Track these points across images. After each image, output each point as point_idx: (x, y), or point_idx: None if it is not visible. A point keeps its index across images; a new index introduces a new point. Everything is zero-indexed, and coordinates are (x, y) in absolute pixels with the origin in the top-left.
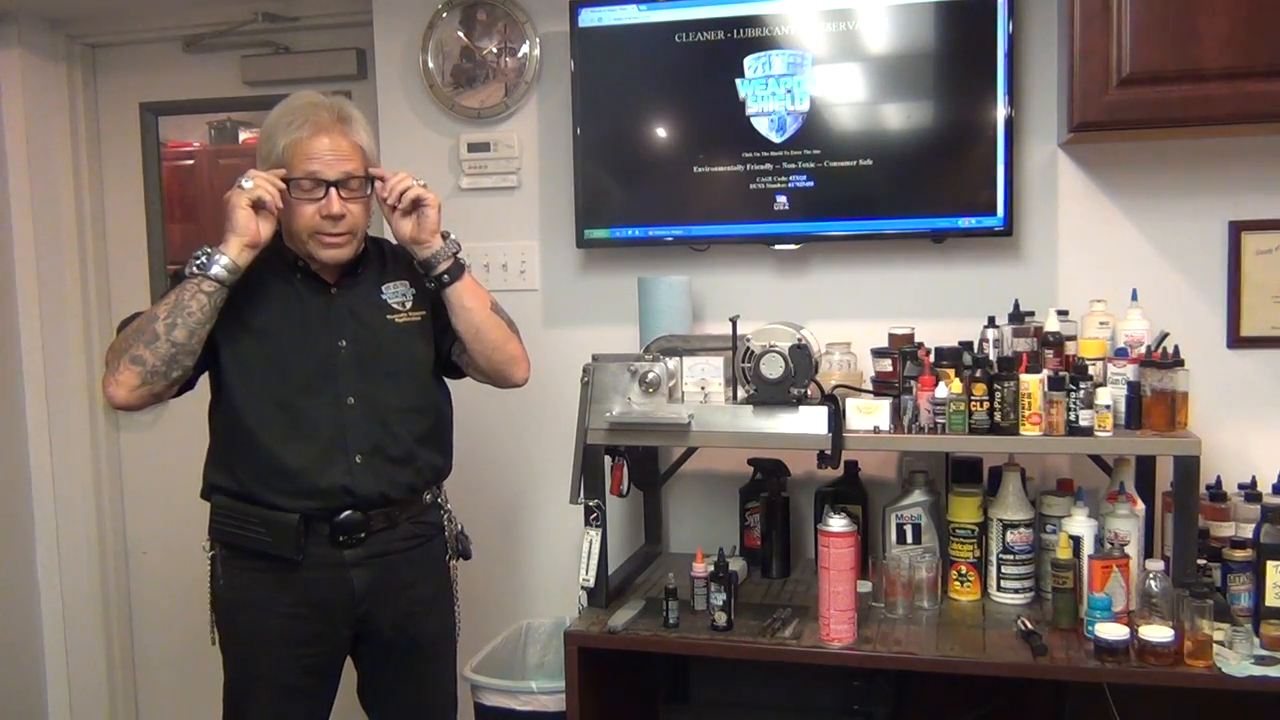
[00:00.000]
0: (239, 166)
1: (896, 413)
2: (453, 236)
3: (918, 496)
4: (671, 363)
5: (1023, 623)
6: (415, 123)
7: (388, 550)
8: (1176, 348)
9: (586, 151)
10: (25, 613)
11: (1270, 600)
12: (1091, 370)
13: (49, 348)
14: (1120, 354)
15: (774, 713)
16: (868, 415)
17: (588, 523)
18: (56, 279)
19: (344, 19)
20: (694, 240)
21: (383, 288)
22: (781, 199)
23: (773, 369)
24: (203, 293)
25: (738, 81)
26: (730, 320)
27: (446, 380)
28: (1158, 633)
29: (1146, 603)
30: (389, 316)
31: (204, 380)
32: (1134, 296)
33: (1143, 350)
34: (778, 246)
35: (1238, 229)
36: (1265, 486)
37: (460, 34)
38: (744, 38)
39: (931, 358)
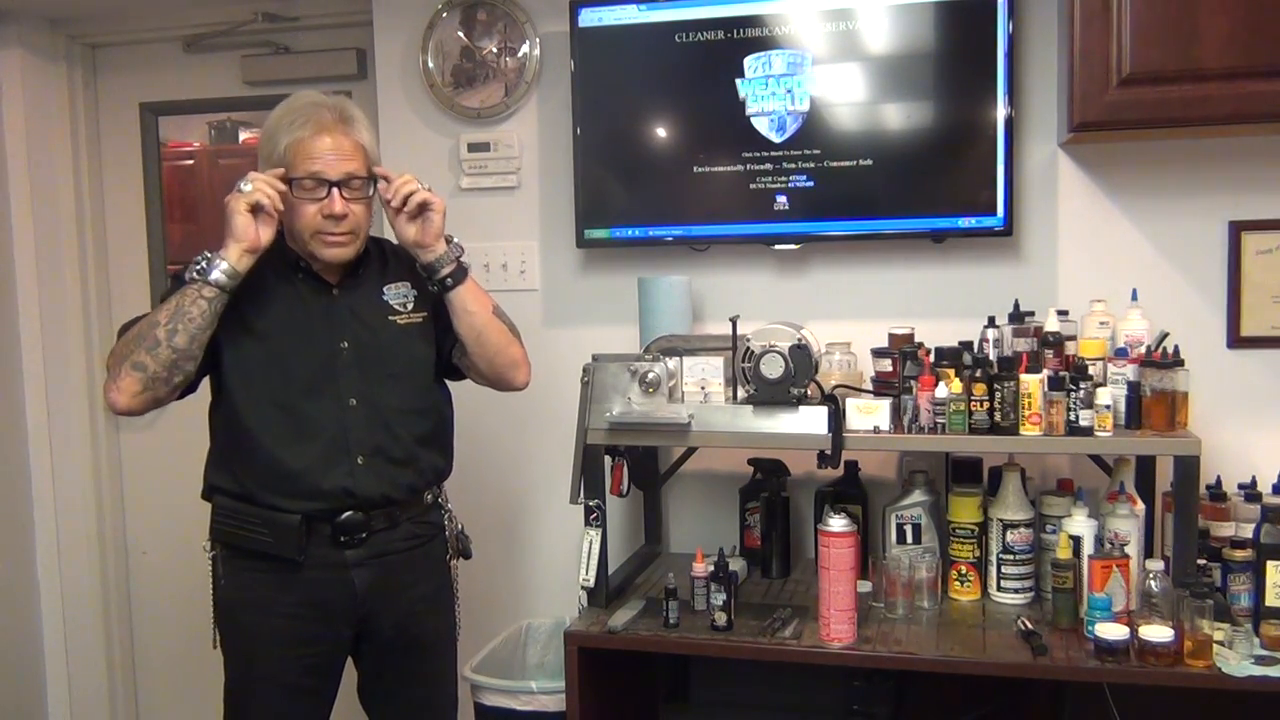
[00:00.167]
0: (239, 166)
1: (896, 413)
2: (456, 240)
3: (918, 496)
4: (671, 363)
5: (1023, 623)
6: (415, 123)
7: (389, 550)
8: (1176, 348)
9: (586, 151)
10: (25, 613)
11: (1270, 600)
12: (1091, 370)
13: (49, 348)
14: (1120, 354)
15: (774, 713)
16: (868, 415)
17: (588, 523)
18: (56, 279)
19: (344, 19)
20: (694, 240)
21: (384, 288)
22: (781, 199)
23: (773, 369)
24: (203, 298)
25: (738, 81)
26: (730, 320)
27: (447, 382)
28: (1158, 633)
29: (1146, 603)
30: (390, 318)
31: (204, 381)
32: (1134, 296)
33: (1143, 350)
34: (778, 246)
35: (1238, 229)
36: (1265, 486)
37: (460, 34)
38: (744, 38)
39: (931, 358)
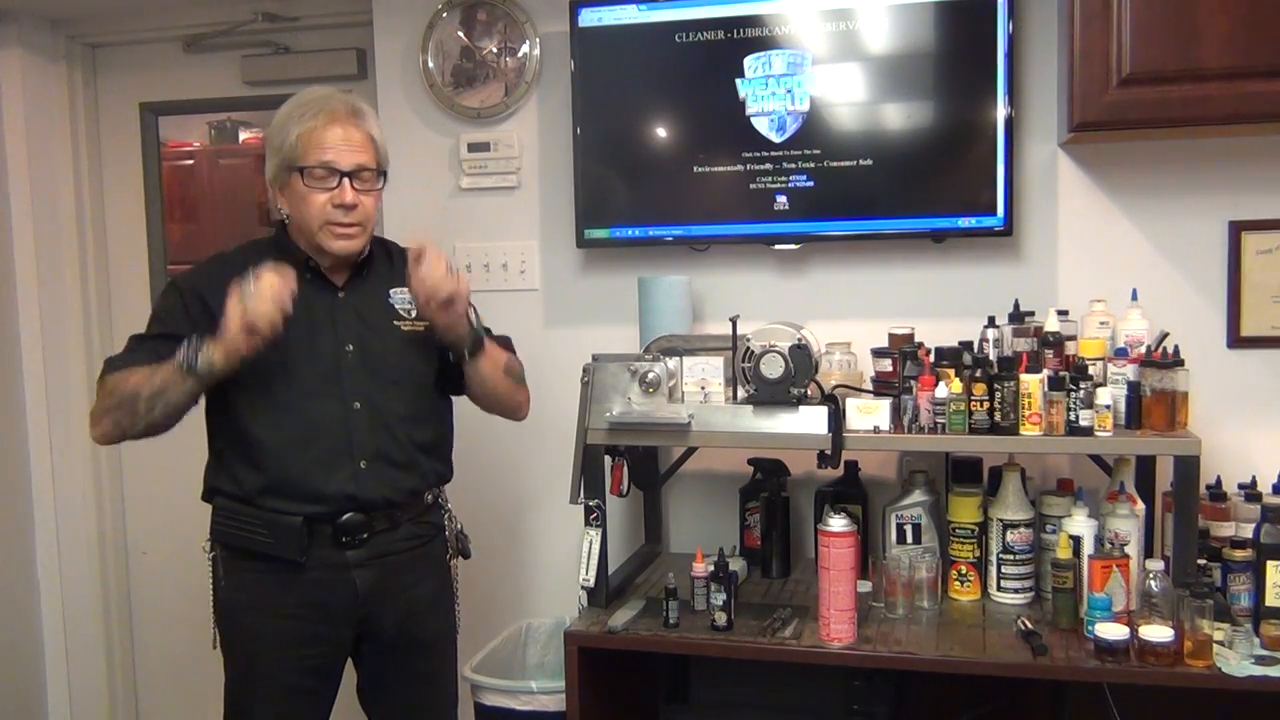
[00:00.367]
0: (239, 167)
1: (896, 413)
2: (475, 311)
3: (918, 496)
4: (671, 363)
5: (1023, 623)
6: (415, 123)
7: (389, 551)
8: (1176, 348)
9: (586, 151)
10: (25, 613)
11: (1270, 600)
12: (1091, 370)
13: (49, 348)
14: (1120, 354)
15: (774, 713)
16: (868, 415)
17: (588, 523)
18: (56, 279)
19: (344, 19)
20: (694, 240)
21: (391, 291)
22: (781, 199)
23: (773, 369)
24: (185, 383)
25: (738, 81)
26: (730, 320)
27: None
28: (1158, 633)
29: (1146, 603)
30: (396, 323)
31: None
32: (1134, 296)
33: (1143, 350)
34: (778, 246)
35: (1238, 229)
36: (1265, 486)
37: (460, 34)
38: (744, 38)
39: (931, 358)
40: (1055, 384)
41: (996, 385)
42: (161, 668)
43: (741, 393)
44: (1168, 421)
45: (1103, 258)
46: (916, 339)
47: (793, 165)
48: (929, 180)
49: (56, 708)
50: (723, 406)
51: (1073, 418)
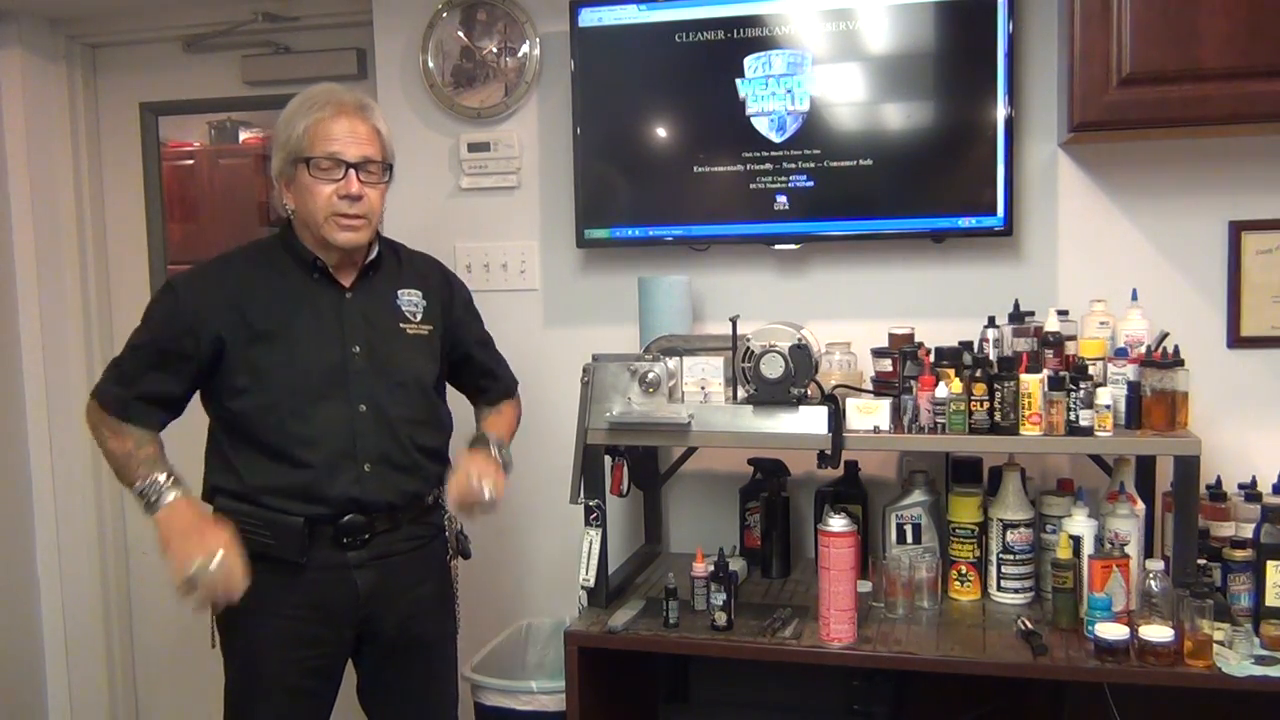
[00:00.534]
0: (239, 167)
1: (896, 413)
2: (504, 451)
3: (918, 496)
4: (671, 363)
5: (1023, 623)
6: (415, 123)
7: (391, 552)
8: (1176, 348)
9: (586, 151)
10: (25, 613)
11: (1270, 600)
12: (1091, 370)
13: (49, 348)
14: (1120, 354)
15: (774, 713)
16: (868, 415)
17: (588, 523)
18: (56, 279)
19: (344, 19)
20: (694, 240)
21: (399, 292)
22: (781, 199)
23: (773, 369)
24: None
25: (738, 81)
26: (730, 320)
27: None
28: (1158, 633)
29: (1146, 603)
30: (402, 325)
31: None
32: (1134, 296)
33: (1143, 350)
34: (778, 246)
35: (1238, 229)
36: (1265, 486)
37: (460, 34)
38: (744, 38)
39: (931, 358)
40: (1055, 384)
41: (996, 385)
42: (161, 668)
43: (741, 393)
44: (1168, 421)
45: (1103, 258)
46: (916, 339)
47: (793, 165)
48: (929, 180)
49: (56, 708)
50: (723, 406)
51: (1073, 418)
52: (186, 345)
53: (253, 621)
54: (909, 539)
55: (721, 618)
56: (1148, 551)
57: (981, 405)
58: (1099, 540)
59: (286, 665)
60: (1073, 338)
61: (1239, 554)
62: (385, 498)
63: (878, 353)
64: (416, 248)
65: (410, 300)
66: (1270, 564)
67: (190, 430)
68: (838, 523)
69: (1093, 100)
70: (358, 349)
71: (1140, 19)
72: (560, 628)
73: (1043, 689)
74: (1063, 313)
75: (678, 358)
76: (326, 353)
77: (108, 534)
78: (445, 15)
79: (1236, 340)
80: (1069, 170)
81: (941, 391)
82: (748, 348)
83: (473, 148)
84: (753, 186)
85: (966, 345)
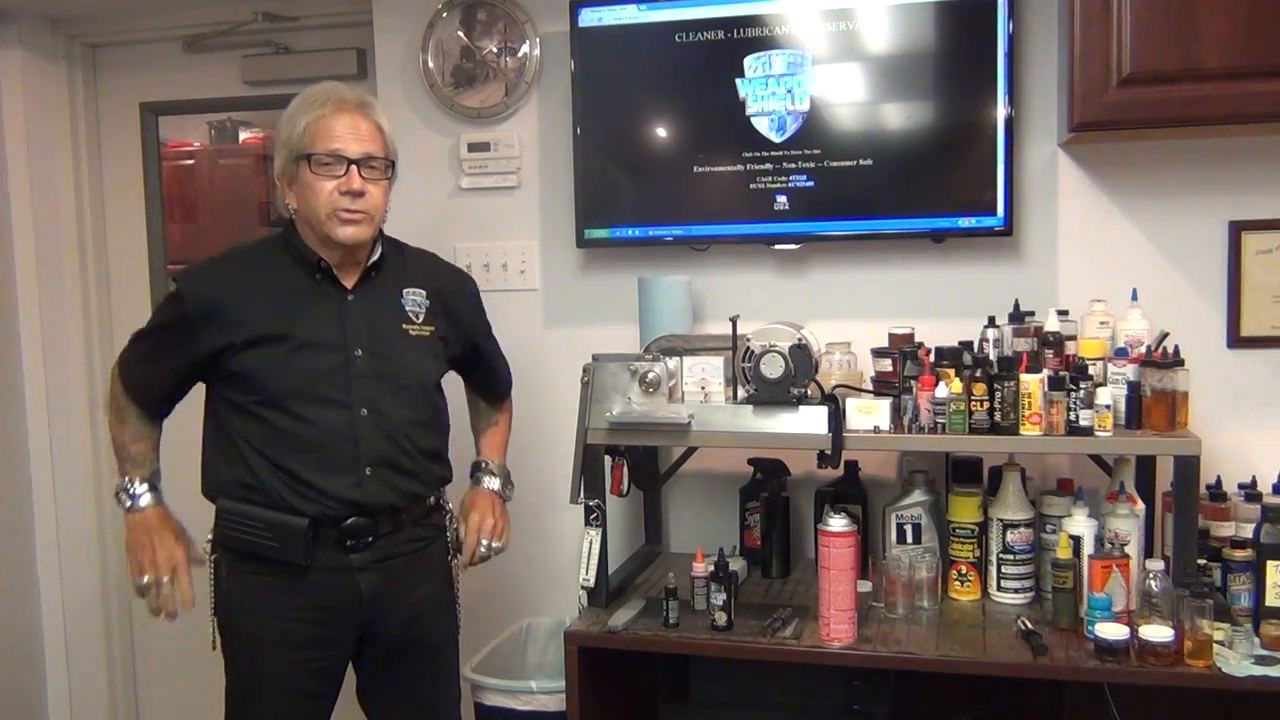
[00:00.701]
0: (239, 167)
1: (896, 413)
2: (505, 483)
3: (918, 496)
4: (671, 363)
5: (1023, 623)
6: (415, 122)
7: (393, 554)
8: (1176, 348)
9: (586, 151)
10: (25, 613)
11: (1270, 600)
12: (1091, 370)
13: (49, 348)
14: (1120, 354)
15: (774, 713)
16: (868, 415)
17: (588, 523)
18: (56, 279)
19: (344, 19)
20: (694, 240)
21: (402, 292)
22: (781, 199)
23: (773, 369)
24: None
25: (738, 81)
26: (730, 320)
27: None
28: (1158, 633)
29: (1146, 602)
30: (404, 326)
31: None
32: (1134, 296)
33: (1143, 350)
34: (778, 246)
35: (1238, 229)
36: (1265, 486)
37: (460, 34)
38: (744, 37)
39: (931, 358)
40: (1055, 384)
41: (996, 385)
42: (161, 668)
43: (741, 393)
44: (1168, 421)
45: (1103, 258)
46: (916, 339)
47: (793, 165)
48: (929, 180)
49: (56, 708)
50: (723, 406)
51: (1073, 418)
52: (186, 340)
53: (254, 623)
54: (909, 539)
55: (721, 618)
56: (1148, 551)
57: (981, 405)
58: (1099, 540)
59: (288, 667)
60: (1073, 338)
61: (1239, 554)
62: (386, 500)
63: (878, 353)
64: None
65: (414, 300)
66: (1270, 564)
67: (191, 430)
68: (838, 523)
69: (1093, 100)
70: (359, 352)
71: (1140, 19)
72: (560, 628)
73: (1043, 689)
74: (1063, 313)
75: (678, 358)
76: (328, 356)
77: (108, 534)
78: (445, 15)
79: (1236, 340)
80: (1069, 170)
81: (941, 391)
82: (748, 348)
83: (473, 148)
84: (753, 186)
85: (966, 345)
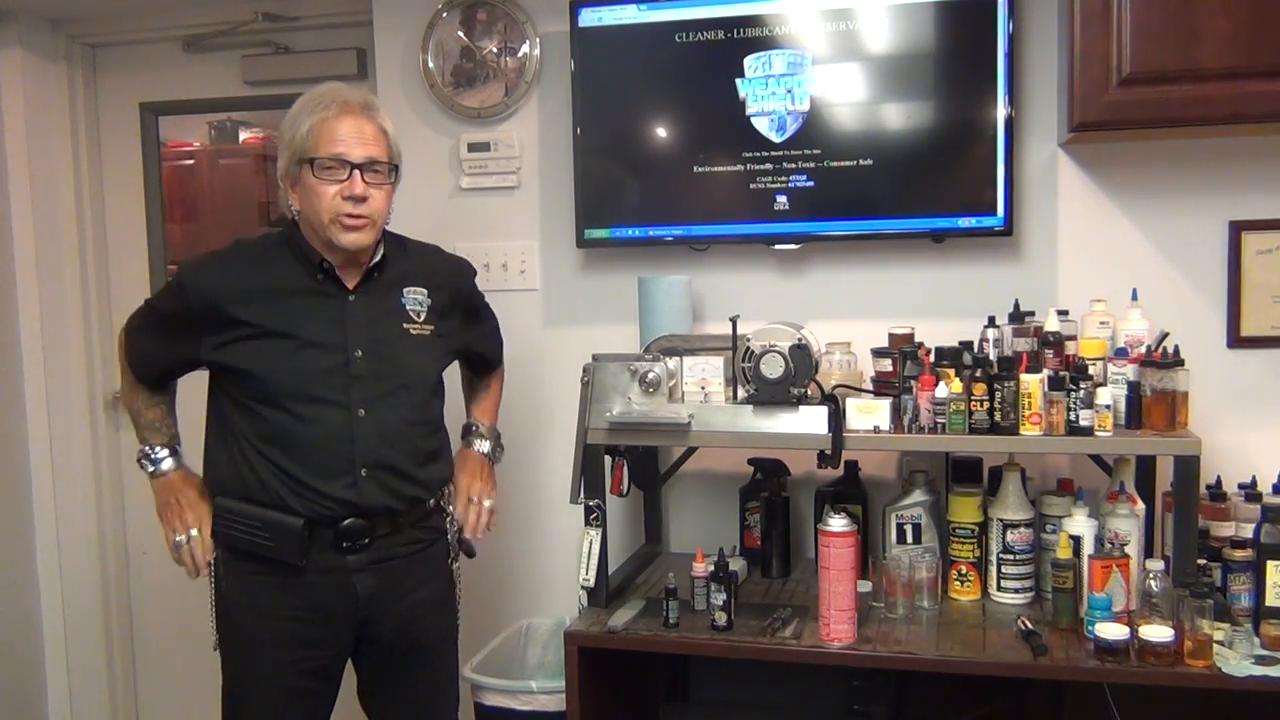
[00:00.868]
0: (239, 167)
1: (896, 412)
2: (493, 444)
3: (918, 496)
4: (671, 363)
5: (1023, 623)
6: (415, 122)
7: (391, 555)
8: (1176, 348)
9: (587, 151)
10: (25, 612)
11: (1270, 600)
12: (1091, 370)
13: (49, 348)
14: (1120, 354)
15: (774, 713)
16: (868, 415)
17: (588, 523)
18: (56, 279)
19: (344, 19)
20: (694, 240)
21: (405, 291)
22: (781, 199)
23: (773, 369)
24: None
25: (738, 81)
26: (730, 320)
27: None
28: (1158, 633)
29: (1146, 602)
30: (405, 325)
31: (201, 380)
32: (1134, 296)
33: (1143, 350)
34: (778, 246)
35: (1238, 229)
36: (1265, 486)
37: (460, 34)
38: (744, 37)
39: (931, 358)
40: (1055, 384)
41: (996, 385)
42: (161, 668)
43: (741, 393)
44: (1168, 421)
45: (1103, 258)
46: (916, 339)
47: (793, 165)
48: (929, 180)
49: (56, 708)
50: (723, 406)
51: (1073, 418)
52: (186, 331)
53: (251, 622)
54: (909, 539)
55: (721, 618)
56: (1148, 551)
57: (981, 405)
58: (1099, 540)
59: (284, 666)
60: (1073, 338)
61: (1239, 554)
62: (383, 502)
63: (878, 353)
64: None
65: (415, 299)
66: (1270, 564)
67: (191, 429)
68: (838, 523)
69: (1093, 100)
70: (360, 353)
71: (1140, 19)
72: (560, 628)
73: (1043, 689)
74: (1063, 313)
75: (678, 358)
76: (328, 356)
77: (108, 534)
78: (445, 15)
79: (1236, 340)
80: (1069, 170)
81: (941, 391)
82: (748, 348)
83: (473, 148)
84: (753, 186)
85: (966, 345)
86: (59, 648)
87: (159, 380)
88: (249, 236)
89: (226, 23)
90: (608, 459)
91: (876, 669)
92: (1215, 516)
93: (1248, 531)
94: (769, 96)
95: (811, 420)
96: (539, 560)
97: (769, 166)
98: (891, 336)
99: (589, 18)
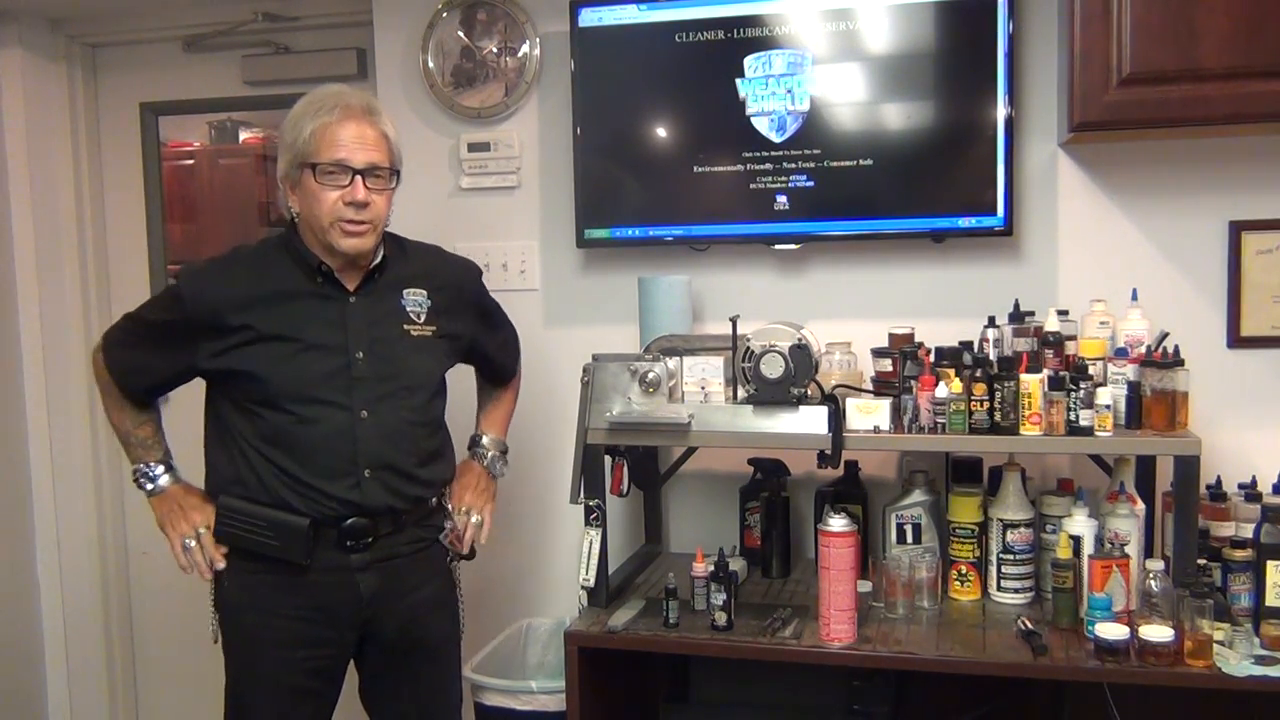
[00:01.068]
0: (239, 167)
1: (896, 412)
2: (498, 461)
3: (918, 496)
4: (671, 362)
5: (1023, 623)
6: (415, 123)
7: (394, 554)
8: (1176, 348)
9: (587, 151)
10: (25, 613)
11: (1270, 600)
12: (1091, 370)
13: (49, 348)
14: (1120, 354)
15: (774, 713)
16: (868, 415)
17: (588, 523)
18: (56, 279)
19: (344, 19)
20: (694, 240)
21: (404, 292)
22: (781, 199)
23: (773, 369)
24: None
25: (738, 81)
26: (730, 320)
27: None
28: (1158, 633)
29: (1146, 602)
30: (406, 326)
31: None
32: (1134, 296)
33: (1143, 350)
34: (778, 246)
35: (1238, 229)
36: (1265, 486)
37: (460, 34)
38: (744, 37)
39: (931, 358)
40: (1055, 384)
41: (996, 385)
42: (161, 668)
43: (741, 393)
44: (1168, 421)
45: (1103, 258)
46: (916, 339)
47: (793, 165)
48: (929, 180)
49: (56, 708)
50: (723, 406)
51: (1073, 418)
52: (183, 341)
53: (253, 621)
54: (909, 539)
55: (721, 618)
56: (1148, 551)
57: (981, 405)
58: (1099, 540)
59: (287, 665)
60: (1073, 338)
61: (1239, 554)
62: (386, 502)
63: (878, 353)
64: None
65: (415, 300)
66: (1270, 564)
67: (191, 429)
68: (838, 523)
69: (1093, 100)
70: (361, 354)
71: (1140, 19)
72: (560, 628)
73: (1043, 689)
74: (1063, 313)
75: (678, 358)
76: (330, 358)
77: (108, 534)
78: (445, 15)
79: (1236, 340)
80: (1069, 170)
81: (941, 391)
82: (748, 348)
83: (473, 148)
84: (753, 186)
85: (966, 345)
86: (59, 648)
87: (148, 394)
88: (247, 244)
89: (226, 23)
90: (608, 459)
91: (876, 669)
92: (1215, 516)
93: (1248, 531)
94: (769, 96)
95: (811, 420)
96: (539, 560)
97: (769, 166)
98: (891, 336)
99: (589, 18)
